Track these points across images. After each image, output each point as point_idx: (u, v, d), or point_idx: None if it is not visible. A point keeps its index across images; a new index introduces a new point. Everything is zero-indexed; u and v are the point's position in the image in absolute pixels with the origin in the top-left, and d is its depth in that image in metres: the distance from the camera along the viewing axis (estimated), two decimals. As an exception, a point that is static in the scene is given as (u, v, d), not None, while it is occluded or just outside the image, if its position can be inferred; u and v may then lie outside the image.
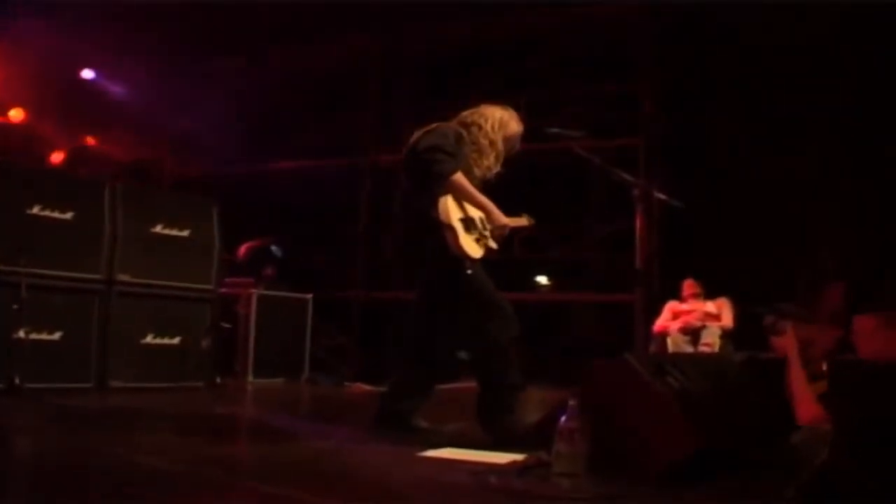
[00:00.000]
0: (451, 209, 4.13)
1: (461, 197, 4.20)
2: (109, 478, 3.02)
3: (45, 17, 8.80)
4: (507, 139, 4.49)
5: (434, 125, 4.37)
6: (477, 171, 4.35)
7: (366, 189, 9.95)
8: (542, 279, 11.27)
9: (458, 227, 4.13)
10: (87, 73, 10.51)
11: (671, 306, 8.17)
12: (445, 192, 4.14)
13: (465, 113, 4.51)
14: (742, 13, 7.83)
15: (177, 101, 10.37)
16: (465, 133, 4.36)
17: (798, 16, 7.61)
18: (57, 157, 10.63)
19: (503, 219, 4.36)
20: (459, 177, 4.16)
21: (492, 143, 4.41)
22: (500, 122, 4.46)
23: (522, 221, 4.74)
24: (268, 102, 10.47)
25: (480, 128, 4.41)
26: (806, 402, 3.03)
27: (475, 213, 4.30)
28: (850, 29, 7.53)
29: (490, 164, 4.40)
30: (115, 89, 10.78)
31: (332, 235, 10.60)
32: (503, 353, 4.10)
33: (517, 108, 4.61)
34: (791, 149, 7.95)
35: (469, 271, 4.16)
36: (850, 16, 7.46)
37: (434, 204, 4.12)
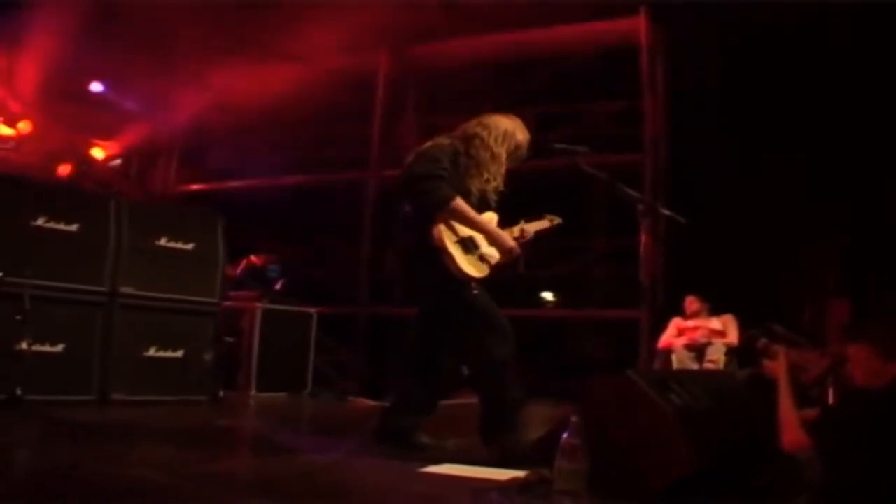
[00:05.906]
0: (444, 234, 4.06)
1: (460, 222, 4.12)
2: (106, 491, 3.00)
3: (54, 30, 8.83)
4: (512, 151, 4.36)
5: (429, 144, 4.27)
6: (474, 186, 4.23)
7: (370, 204, 9.93)
8: (548, 295, 11.25)
9: (455, 250, 4.08)
10: (96, 86, 10.54)
11: (676, 323, 8.13)
12: (443, 218, 4.08)
13: (467, 124, 4.40)
14: (749, 31, 7.84)
15: (183, 114, 10.40)
16: (462, 147, 4.26)
17: (799, 35, 7.62)
18: (64, 170, 10.64)
19: (508, 241, 4.29)
20: (458, 203, 4.07)
21: (494, 156, 4.28)
22: (504, 133, 4.34)
23: (544, 224, 4.64)
24: (273, 117, 10.47)
25: (482, 140, 4.28)
26: (792, 429, 3.01)
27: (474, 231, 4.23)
28: (847, 48, 7.54)
29: (490, 176, 4.27)
30: (123, 102, 10.82)
31: (336, 250, 10.59)
32: (502, 369, 4.07)
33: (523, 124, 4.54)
34: (797, 165, 7.95)
35: (475, 292, 4.14)
36: (847, 35, 7.49)
37: (430, 230, 4.07)
